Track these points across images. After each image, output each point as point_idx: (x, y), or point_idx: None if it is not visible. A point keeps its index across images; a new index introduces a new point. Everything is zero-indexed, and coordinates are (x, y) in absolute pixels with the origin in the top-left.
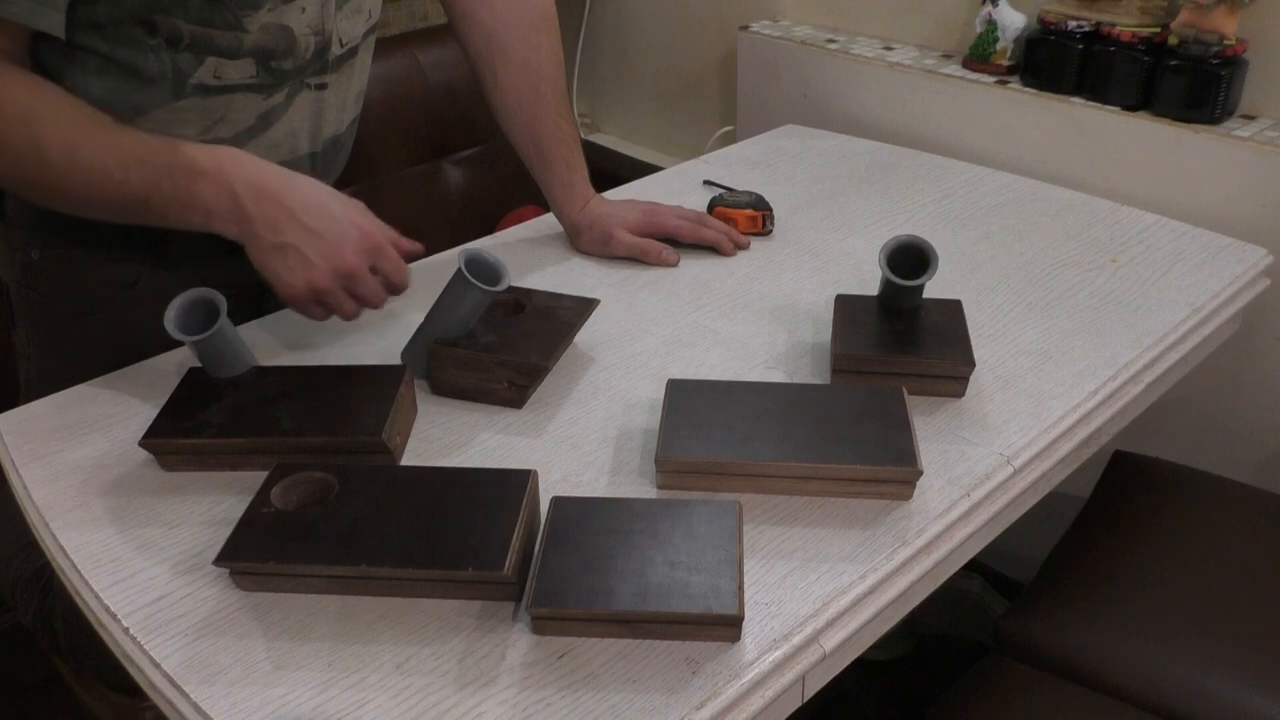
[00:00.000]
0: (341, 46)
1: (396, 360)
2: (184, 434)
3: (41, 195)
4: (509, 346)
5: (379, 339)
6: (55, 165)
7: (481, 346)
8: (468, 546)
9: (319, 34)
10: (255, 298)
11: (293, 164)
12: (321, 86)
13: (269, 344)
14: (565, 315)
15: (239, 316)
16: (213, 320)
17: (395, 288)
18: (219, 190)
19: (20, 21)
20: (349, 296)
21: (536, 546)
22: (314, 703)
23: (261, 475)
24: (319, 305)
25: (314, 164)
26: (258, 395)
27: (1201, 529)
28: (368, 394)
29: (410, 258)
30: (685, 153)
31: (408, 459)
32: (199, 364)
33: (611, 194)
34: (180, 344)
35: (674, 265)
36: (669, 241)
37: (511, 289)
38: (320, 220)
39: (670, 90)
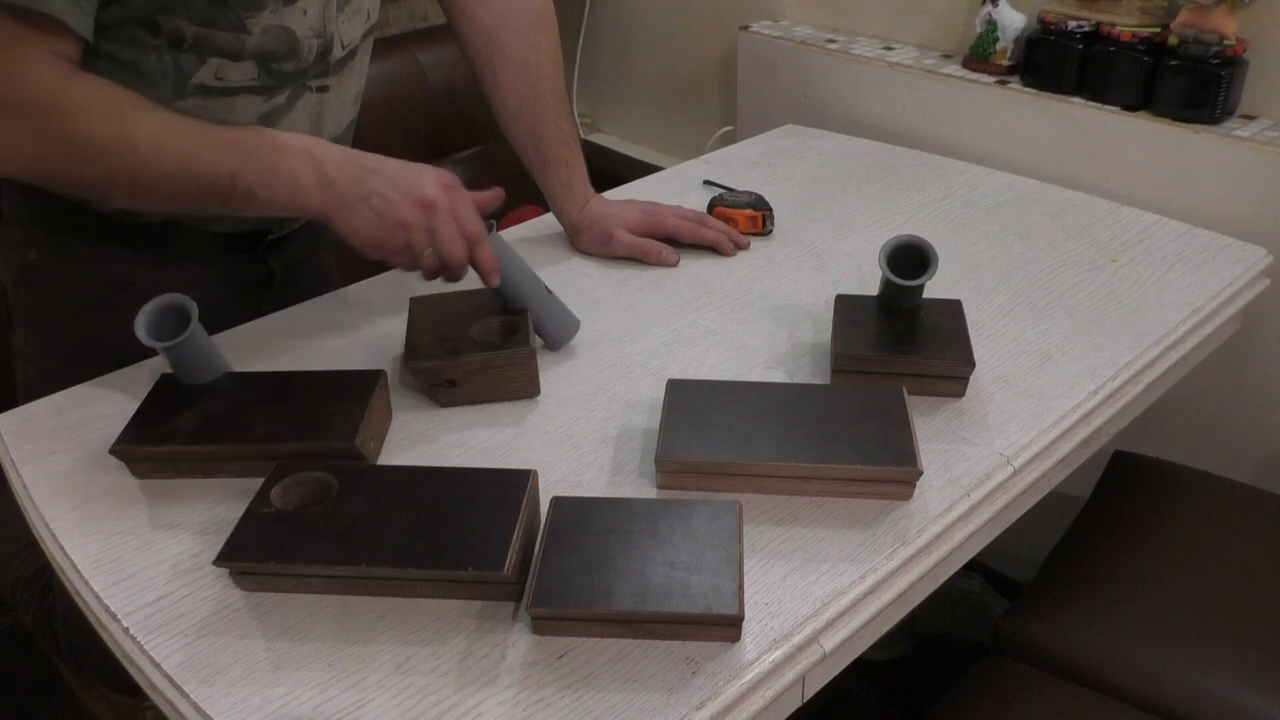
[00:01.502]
0: (343, 49)
1: (380, 365)
2: (155, 441)
3: (128, 192)
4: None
5: (375, 343)
6: (145, 155)
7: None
8: (468, 546)
9: (320, 36)
10: (254, 296)
11: None
12: (323, 89)
13: (267, 344)
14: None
15: (238, 315)
16: (184, 326)
17: (469, 234)
18: (305, 162)
19: (59, 18)
20: (430, 240)
21: (536, 546)
22: (314, 703)
23: (234, 482)
24: (403, 250)
25: None
26: (231, 401)
27: (1201, 529)
28: (341, 400)
29: (490, 206)
30: (685, 153)
31: (408, 459)
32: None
33: (611, 194)
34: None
35: (674, 265)
36: (669, 241)
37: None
38: (399, 167)
39: (670, 90)
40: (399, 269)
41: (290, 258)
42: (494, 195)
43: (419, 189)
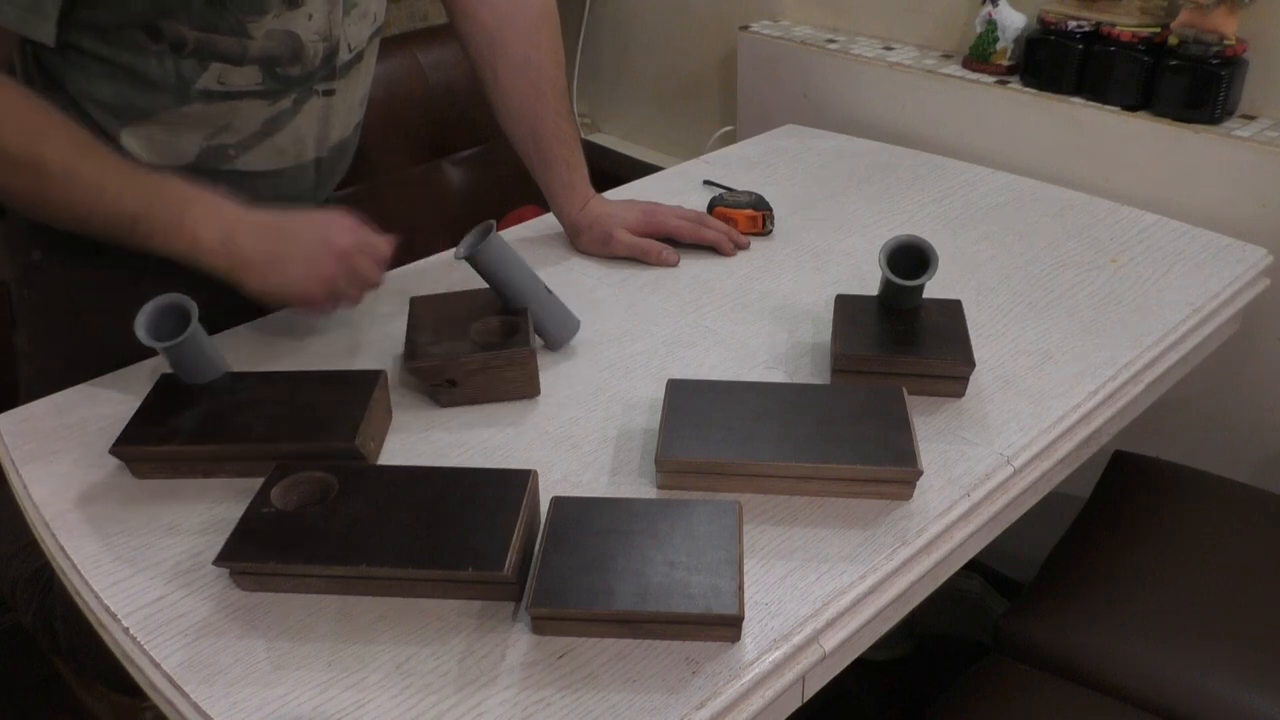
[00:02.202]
0: (350, 52)
1: (380, 365)
2: (155, 441)
3: (31, 204)
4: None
5: (375, 343)
6: (53, 177)
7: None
8: (468, 546)
9: (326, 40)
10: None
11: (297, 169)
12: (329, 93)
13: (267, 344)
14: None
15: (241, 316)
16: (184, 326)
17: (381, 259)
18: (211, 222)
19: (12, 29)
20: (352, 280)
21: (536, 546)
22: (314, 703)
23: (234, 482)
24: (327, 300)
25: (319, 168)
26: (230, 401)
27: (1201, 529)
28: (341, 400)
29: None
30: (685, 153)
31: (408, 459)
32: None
33: (611, 194)
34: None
35: (674, 265)
36: (669, 241)
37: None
38: (303, 224)
39: (670, 90)
40: (312, 316)
41: None
42: (390, 241)
43: (332, 241)
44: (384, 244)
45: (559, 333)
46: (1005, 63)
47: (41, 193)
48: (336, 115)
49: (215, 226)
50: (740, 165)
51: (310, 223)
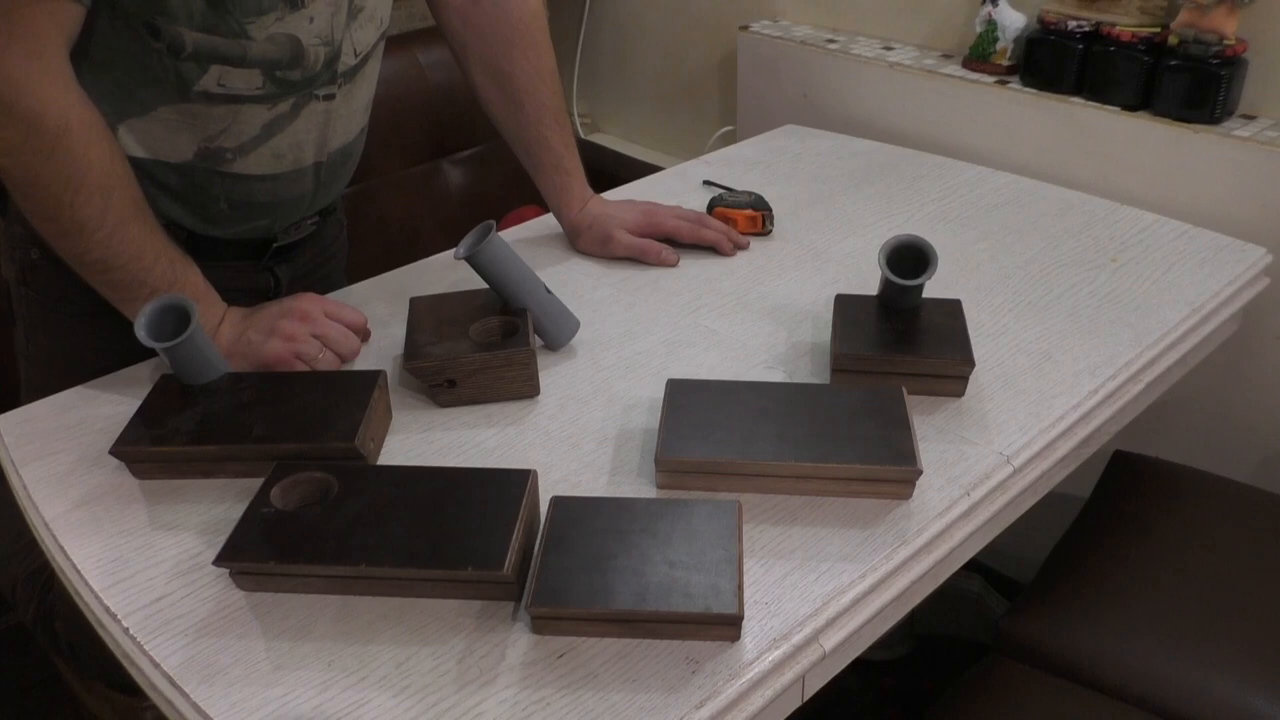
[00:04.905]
0: (356, 57)
1: (380, 365)
2: (155, 441)
3: (67, 242)
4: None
5: (375, 343)
6: (111, 230)
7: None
8: (468, 546)
9: (328, 44)
10: (261, 300)
11: (297, 174)
12: (330, 97)
13: None
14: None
15: None
16: (184, 326)
17: (352, 325)
18: (208, 314)
19: None
20: (320, 345)
21: (536, 546)
22: (314, 703)
23: (234, 482)
24: (296, 359)
25: (318, 174)
26: (230, 402)
27: (1201, 529)
28: (341, 400)
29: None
30: (685, 153)
31: (408, 459)
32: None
33: (611, 194)
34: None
35: (673, 265)
36: (668, 242)
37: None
38: (275, 304)
39: (670, 90)
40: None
41: (298, 267)
42: (361, 319)
43: (289, 307)
44: (353, 313)
45: (559, 333)
46: (1005, 63)
47: (85, 228)
48: (338, 121)
49: (210, 320)
50: (740, 165)
51: (279, 302)
